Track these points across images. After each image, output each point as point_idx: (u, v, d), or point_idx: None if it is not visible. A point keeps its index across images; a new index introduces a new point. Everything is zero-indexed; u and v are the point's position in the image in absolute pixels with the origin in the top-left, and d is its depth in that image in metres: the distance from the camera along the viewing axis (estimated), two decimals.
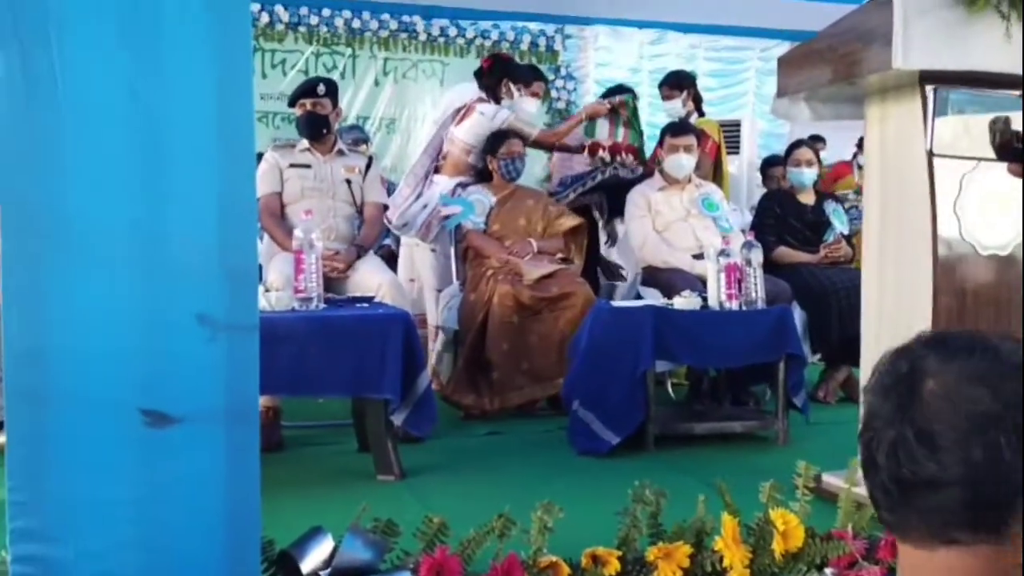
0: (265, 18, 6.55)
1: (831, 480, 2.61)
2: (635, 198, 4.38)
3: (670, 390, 4.38)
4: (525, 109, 4.81)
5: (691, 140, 4.33)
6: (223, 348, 1.55)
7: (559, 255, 4.33)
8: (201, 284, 1.55)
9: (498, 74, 4.60)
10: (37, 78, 1.47)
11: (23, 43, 1.45)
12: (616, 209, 4.77)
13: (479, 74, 4.69)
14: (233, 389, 1.57)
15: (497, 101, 4.56)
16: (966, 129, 0.70)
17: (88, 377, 1.52)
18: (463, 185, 4.49)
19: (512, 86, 4.60)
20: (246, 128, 1.57)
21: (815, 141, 6.26)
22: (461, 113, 4.55)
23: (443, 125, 4.64)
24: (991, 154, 0.77)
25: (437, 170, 4.56)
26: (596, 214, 4.90)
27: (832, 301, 4.19)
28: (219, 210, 1.56)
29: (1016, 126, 0.80)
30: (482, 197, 4.39)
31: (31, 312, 1.49)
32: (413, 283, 4.48)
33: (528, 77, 4.86)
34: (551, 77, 7.32)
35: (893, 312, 2.67)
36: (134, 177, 1.54)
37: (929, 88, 0.71)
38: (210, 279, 1.55)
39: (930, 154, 0.81)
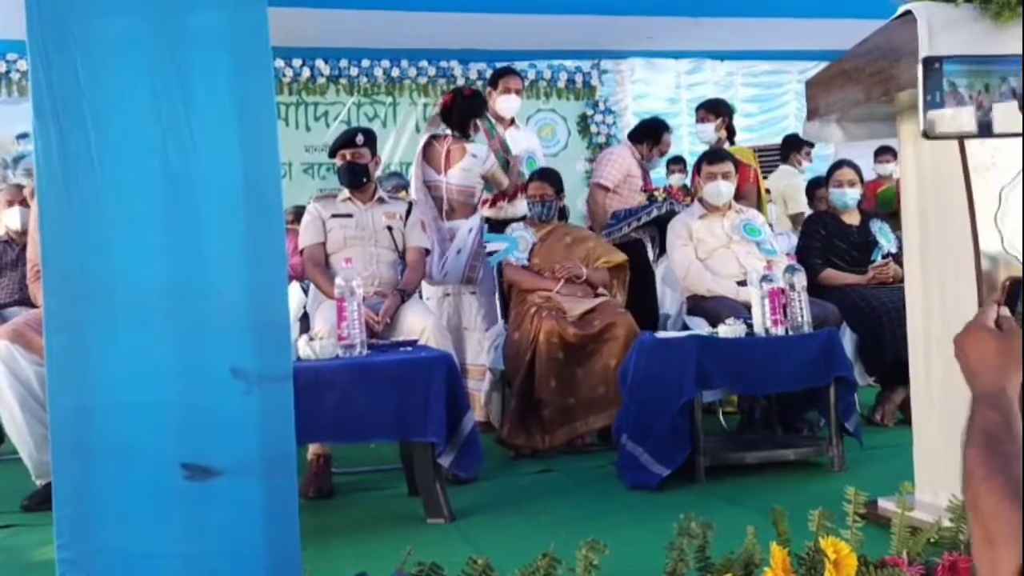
0: (307, 72, 6.75)
1: (887, 505, 2.54)
2: (676, 227, 4.38)
3: (722, 420, 4.33)
4: (505, 107, 4.85)
5: (728, 167, 4.33)
6: (257, 400, 1.59)
7: (601, 288, 4.33)
8: (234, 338, 1.60)
9: (467, 113, 4.59)
10: (75, 156, 1.55)
11: (61, 125, 1.54)
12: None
13: (445, 112, 4.66)
14: (269, 440, 1.60)
15: (467, 138, 4.58)
16: (966, 100, 0.69)
17: (131, 433, 1.57)
18: (488, 220, 4.55)
19: (479, 123, 4.63)
20: (272, 189, 1.63)
21: (885, 152, 6.20)
22: (443, 159, 4.54)
23: (417, 176, 4.65)
24: (1000, 128, 0.75)
25: (448, 216, 4.56)
26: (649, 248, 4.92)
27: (884, 322, 4.11)
28: (249, 267, 1.61)
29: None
30: (525, 234, 4.42)
31: (75, 371, 1.55)
32: (465, 331, 4.49)
33: (498, 79, 4.94)
34: (589, 112, 7.38)
35: (940, 329, 2.62)
36: (168, 241, 1.60)
37: (919, 65, 0.70)
38: (243, 333, 1.60)
39: (924, 135, 0.81)
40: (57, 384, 1.54)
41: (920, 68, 0.79)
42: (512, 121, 5.05)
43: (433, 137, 4.68)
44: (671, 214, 4.62)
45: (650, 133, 5.30)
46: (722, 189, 4.27)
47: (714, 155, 4.46)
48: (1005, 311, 1.12)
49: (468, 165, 4.54)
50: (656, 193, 4.86)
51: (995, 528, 0.82)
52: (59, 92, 1.52)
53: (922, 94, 0.79)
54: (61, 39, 1.53)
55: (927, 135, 0.80)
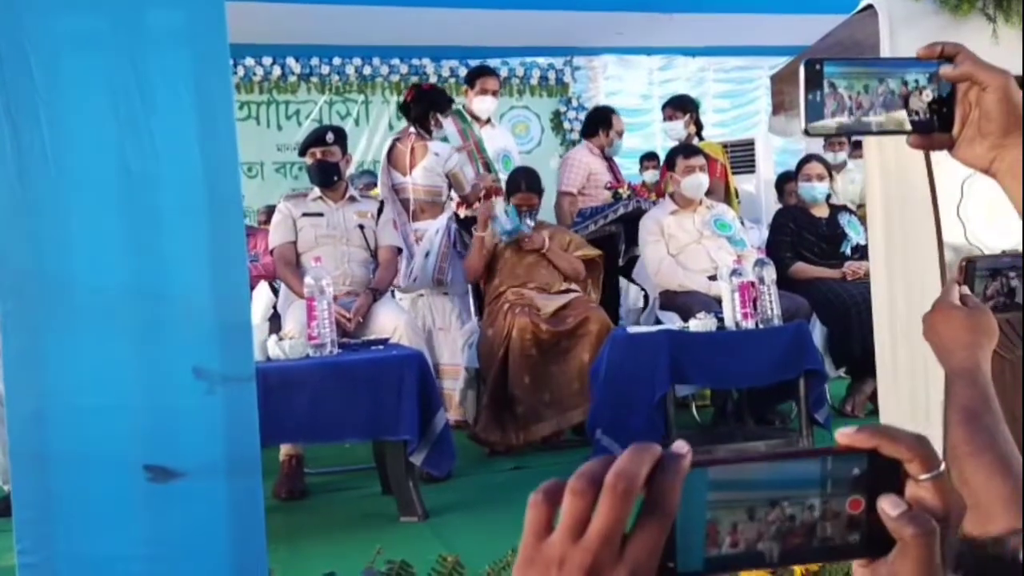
0: (277, 71, 6.70)
1: None
2: (648, 224, 4.39)
3: (695, 413, 4.35)
4: (481, 108, 4.85)
5: (703, 160, 4.36)
6: (221, 400, 1.57)
7: (573, 284, 4.34)
8: (196, 338, 1.58)
9: (424, 107, 4.54)
10: (29, 152, 1.53)
11: (14, 120, 1.52)
12: (634, 239, 4.81)
13: (404, 108, 4.64)
14: (233, 440, 1.59)
15: (428, 133, 4.54)
16: (846, 100, 0.72)
17: (91, 436, 1.55)
18: (458, 218, 4.53)
19: (440, 117, 4.61)
20: (232, 187, 1.62)
21: (860, 147, 6.19)
22: (408, 158, 4.50)
23: (384, 183, 4.59)
24: (876, 126, 0.81)
25: (415, 218, 4.52)
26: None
27: (853, 314, 4.15)
28: (211, 267, 1.60)
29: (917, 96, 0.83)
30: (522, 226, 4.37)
31: (32, 374, 1.53)
32: (439, 331, 4.48)
33: (473, 79, 4.93)
34: (563, 109, 7.39)
35: (906, 322, 2.64)
36: (127, 240, 1.59)
37: (800, 65, 0.74)
38: (205, 333, 1.59)
39: (804, 132, 0.85)
40: (15, 388, 1.52)
41: (801, 69, 0.82)
42: (488, 120, 5.05)
43: (396, 139, 4.65)
44: (637, 211, 4.65)
45: (600, 121, 5.27)
46: (701, 181, 4.30)
47: (689, 149, 4.49)
48: (965, 289, 1.14)
49: (431, 164, 4.48)
50: (621, 191, 4.88)
51: (987, 501, 0.83)
52: (12, 89, 1.50)
53: (803, 94, 0.83)
54: (15, 36, 1.51)
55: (808, 132, 0.83)
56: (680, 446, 0.50)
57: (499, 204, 4.40)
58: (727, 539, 0.50)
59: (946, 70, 0.82)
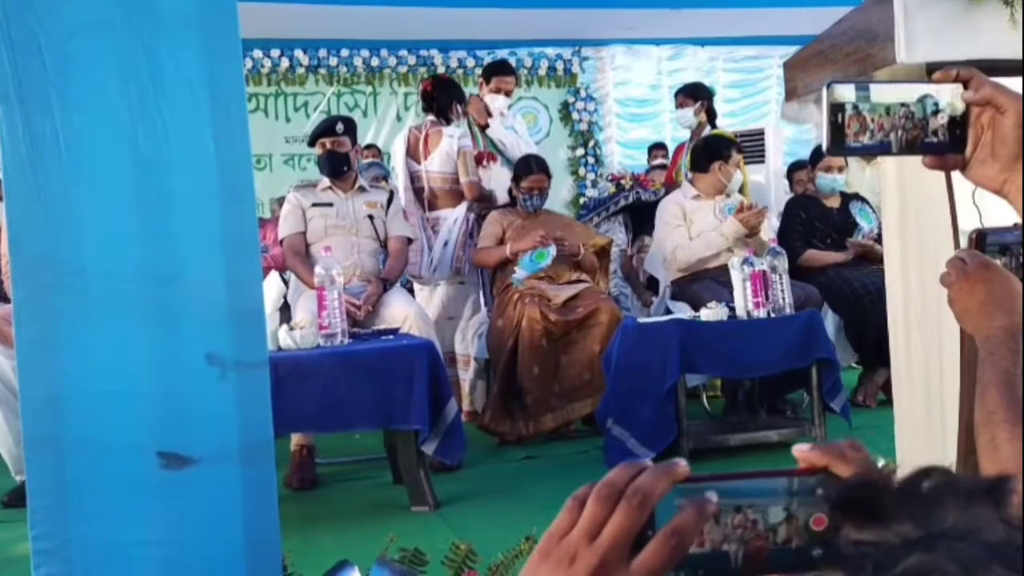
0: (285, 63, 6.69)
1: None
2: (669, 207, 4.35)
3: (706, 403, 4.34)
4: (493, 105, 4.74)
5: (739, 156, 4.43)
6: (233, 386, 1.57)
7: (584, 274, 4.33)
8: (209, 324, 1.58)
9: (449, 96, 4.53)
10: (41, 139, 1.51)
11: (25, 107, 1.51)
12: (640, 228, 4.79)
13: (427, 97, 4.59)
14: (246, 427, 1.59)
15: (448, 122, 4.50)
16: (868, 122, 0.73)
17: (104, 422, 1.55)
18: (475, 212, 4.50)
19: (459, 108, 4.57)
20: (245, 173, 1.61)
21: None
22: (422, 146, 4.47)
23: (402, 174, 4.56)
24: (897, 147, 0.84)
25: (432, 206, 4.52)
26: (621, 235, 4.92)
27: (865, 303, 4.13)
28: (223, 252, 1.59)
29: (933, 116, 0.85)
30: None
31: (45, 361, 1.53)
32: (452, 320, 4.48)
33: (490, 75, 4.82)
34: (571, 100, 7.36)
35: (920, 311, 2.62)
36: (140, 226, 1.58)
37: (824, 85, 0.76)
38: (218, 319, 1.58)
39: (828, 152, 0.87)
40: (28, 375, 1.52)
41: (824, 90, 0.84)
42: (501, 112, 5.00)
43: (413, 128, 4.64)
44: (638, 202, 4.64)
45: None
46: (738, 175, 4.31)
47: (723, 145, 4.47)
48: None
49: (446, 147, 4.45)
50: (623, 181, 4.86)
51: (1015, 471, 0.83)
52: (24, 76, 1.49)
53: (826, 116, 0.84)
54: (25, 22, 1.50)
55: (831, 153, 0.85)
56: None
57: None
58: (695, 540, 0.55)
59: (967, 94, 0.84)
